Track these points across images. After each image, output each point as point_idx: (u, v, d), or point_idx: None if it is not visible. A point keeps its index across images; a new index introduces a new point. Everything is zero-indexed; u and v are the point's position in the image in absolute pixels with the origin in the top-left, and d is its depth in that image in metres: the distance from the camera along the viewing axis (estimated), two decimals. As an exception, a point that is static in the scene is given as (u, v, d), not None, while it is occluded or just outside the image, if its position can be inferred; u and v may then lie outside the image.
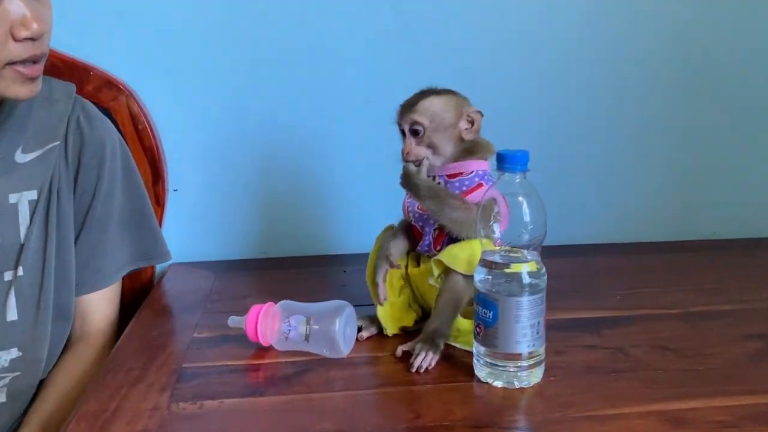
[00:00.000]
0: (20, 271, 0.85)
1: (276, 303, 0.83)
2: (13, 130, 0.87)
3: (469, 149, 0.86)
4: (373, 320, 0.88)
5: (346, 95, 1.19)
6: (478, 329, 0.74)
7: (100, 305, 0.96)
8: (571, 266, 1.12)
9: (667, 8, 1.21)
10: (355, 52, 1.17)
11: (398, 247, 0.88)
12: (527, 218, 0.71)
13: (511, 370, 0.72)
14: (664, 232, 1.28)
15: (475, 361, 0.75)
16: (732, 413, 0.67)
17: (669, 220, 1.28)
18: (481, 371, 0.74)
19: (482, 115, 0.85)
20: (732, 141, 1.27)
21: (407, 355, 0.79)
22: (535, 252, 0.73)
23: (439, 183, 0.84)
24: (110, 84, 1.09)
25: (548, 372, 0.75)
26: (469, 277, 0.81)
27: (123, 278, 1.12)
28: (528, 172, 0.72)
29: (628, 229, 1.27)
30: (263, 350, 0.82)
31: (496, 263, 0.73)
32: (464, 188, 0.87)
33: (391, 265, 0.85)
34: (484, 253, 0.74)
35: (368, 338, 0.86)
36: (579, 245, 1.24)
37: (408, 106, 0.84)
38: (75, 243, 0.92)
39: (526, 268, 0.72)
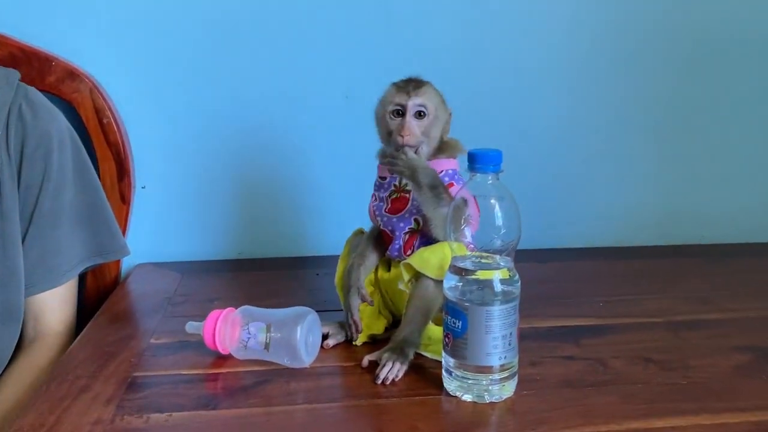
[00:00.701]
0: None
1: (237, 308, 0.78)
2: None
3: (438, 148, 0.82)
4: (341, 326, 0.83)
5: (323, 90, 1.14)
6: (447, 339, 0.69)
7: (54, 306, 0.91)
8: (551, 271, 1.08)
9: (651, 5, 1.17)
10: (334, 46, 1.12)
11: (368, 268, 0.84)
12: (500, 222, 0.67)
13: (482, 383, 0.68)
14: (648, 235, 1.23)
15: (444, 373, 0.71)
16: (718, 432, 0.62)
17: (654, 222, 1.24)
18: (450, 384, 0.70)
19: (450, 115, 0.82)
20: (720, 142, 1.23)
21: (374, 365, 0.74)
22: (508, 258, 0.69)
23: (406, 183, 0.80)
24: (73, 75, 1.04)
25: (522, 385, 0.70)
26: (441, 282, 0.76)
27: (86, 279, 1.07)
28: (501, 173, 0.67)
29: (611, 232, 1.23)
30: (222, 358, 0.77)
31: (466, 270, 0.68)
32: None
33: (363, 299, 0.81)
34: (454, 259, 0.70)
35: (335, 346, 0.81)
36: (559, 249, 1.19)
37: (415, 87, 0.78)
38: (23, 240, 0.87)
39: (498, 275, 0.68)
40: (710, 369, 0.75)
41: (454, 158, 0.84)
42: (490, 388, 0.68)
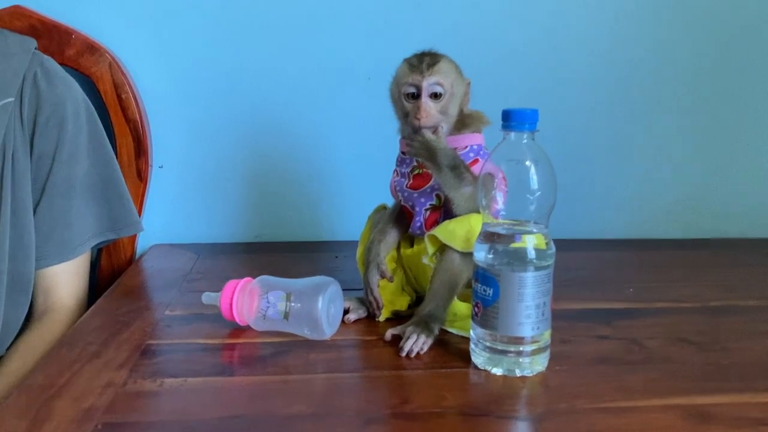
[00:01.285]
0: None
1: (255, 279, 0.75)
2: None
3: (461, 121, 0.78)
4: (363, 302, 0.80)
5: (343, 73, 1.11)
6: (476, 309, 0.66)
7: (65, 279, 0.88)
8: (577, 260, 1.04)
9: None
10: (354, 26, 1.10)
11: (389, 244, 0.81)
12: (535, 185, 0.64)
13: (512, 355, 0.64)
14: (673, 228, 1.19)
15: (472, 345, 0.67)
16: (766, 411, 0.58)
17: (679, 216, 1.20)
18: (478, 357, 0.66)
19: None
20: (750, 136, 1.19)
21: (397, 340, 0.71)
22: (541, 225, 0.65)
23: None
24: (93, 49, 1.02)
25: (553, 361, 0.66)
26: (467, 256, 0.73)
27: (101, 258, 1.05)
28: (537, 132, 0.64)
29: (635, 224, 1.19)
30: (240, 330, 0.74)
31: (498, 235, 0.65)
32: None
33: (383, 276, 0.78)
34: (484, 225, 0.67)
35: (356, 321, 0.78)
36: (582, 239, 1.15)
37: (429, 65, 0.74)
38: (35, 211, 0.85)
39: (532, 240, 0.64)
40: (750, 351, 0.71)
41: (479, 132, 0.81)
42: (521, 361, 0.64)
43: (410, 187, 0.79)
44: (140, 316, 0.78)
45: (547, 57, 1.13)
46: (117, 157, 0.99)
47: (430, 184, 0.78)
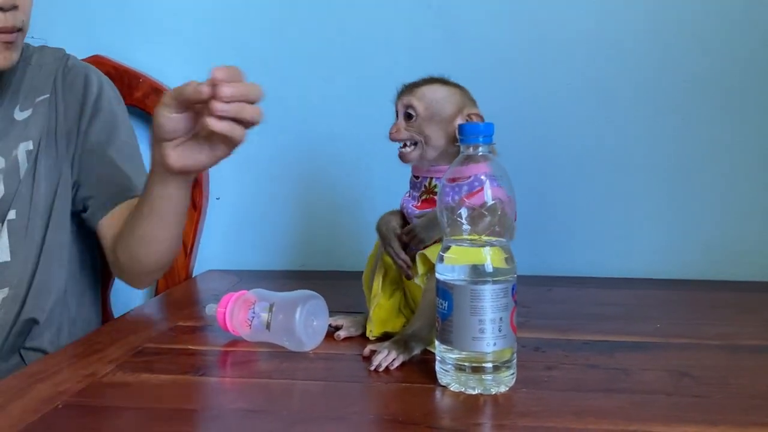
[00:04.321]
0: (12, 215, 0.89)
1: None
2: (10, 92, 0.95)
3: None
4: (358, 322, 0.82)
5: (388, 104, 1.15)
6: (437, 323, 0.66)
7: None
8: (618, 296, 0.99)
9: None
10: (396, 59, 1.14)
11: (398, 222, 0.82)
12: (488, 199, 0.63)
13: (468, 372, 0.63)
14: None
15: (437, 363, 0.67)
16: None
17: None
18: (442, 374, 0.66)
19: (482, 120, 0.80)
20: None
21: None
22: (503, 239, 0.65)
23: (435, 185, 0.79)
24: (157, 91, 1.14)
25: (522, 383, 0.65)
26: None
27: (158, 281, 1.14)
28: (493, 145, 0.64)
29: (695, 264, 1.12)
30: (234, 340, 0.78)
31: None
32: (464, 193, 0.80)
33: (399, 239, 0.79)
34: (445, 240, 0.67)
35: (347, 339, 0.80)
36: (636, 279, 1.10)
37: (409, 88, 0.79)
38: (81, 175, 0.96)
39: (487, 252, 0.64)
40: (751, 387, 0.65)
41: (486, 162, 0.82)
42: (482, 378, 0.63)
43: (417, 208, 0.81)
44: (155, 325, 0.85)
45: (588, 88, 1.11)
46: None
47: (433, 209, 0.79)
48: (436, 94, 0.79)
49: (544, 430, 0.56)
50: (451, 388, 0.64)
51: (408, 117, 0.78)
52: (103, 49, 1.16)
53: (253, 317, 0.75)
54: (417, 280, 0.78)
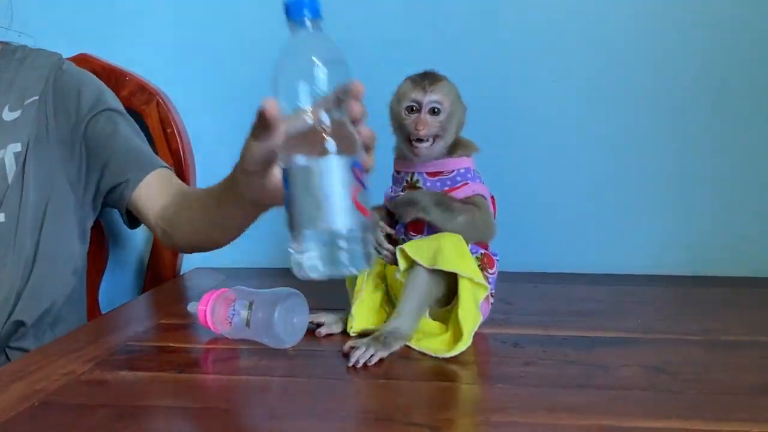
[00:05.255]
0: (1, 218, 0.89)
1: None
2: (1, 92, 0.95)
3: (452, 146, 0.82)
4: (340, 319, 0.82)
5: (375, 100, 1.16)
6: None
7: (156, 191, 0.96)
8: (604, 293, 1.00)
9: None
10: (385, 55, 1.14)
11: (382, 216, 0.84)
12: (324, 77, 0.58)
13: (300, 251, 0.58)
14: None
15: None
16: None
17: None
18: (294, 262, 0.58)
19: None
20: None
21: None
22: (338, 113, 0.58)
23: (417, 180, 0.81)
24: (143, 89, 1.15)
25: (498, 380, 0.65)
26: (436, 273, 0.75)
27: (146, 280, 1.15)
28: (320, 20, 0.59)
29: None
30: (216, 338, 0.78)
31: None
32: (446, 187, 0.81)
33: (383, 231, 0.81)
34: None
35: (328, 336, 0.80)
36: (629, 275, 1.11)
37: (431, 81, 0.79)
38: (102, 166, 0.97)
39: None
40: (727, 383, 0.65)
41: (468, 156, 0.83)
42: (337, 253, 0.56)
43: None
44: (138, 322, 0.85)
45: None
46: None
47: None
48: (453, 90, 0.81)
49: (516, 425, 0.56)
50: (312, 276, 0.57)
51: (433, 112, 0.78)
52: (90, 48, 1.16)
53: (234, 315, 0.75)
54: (398, 275, 0.79)
